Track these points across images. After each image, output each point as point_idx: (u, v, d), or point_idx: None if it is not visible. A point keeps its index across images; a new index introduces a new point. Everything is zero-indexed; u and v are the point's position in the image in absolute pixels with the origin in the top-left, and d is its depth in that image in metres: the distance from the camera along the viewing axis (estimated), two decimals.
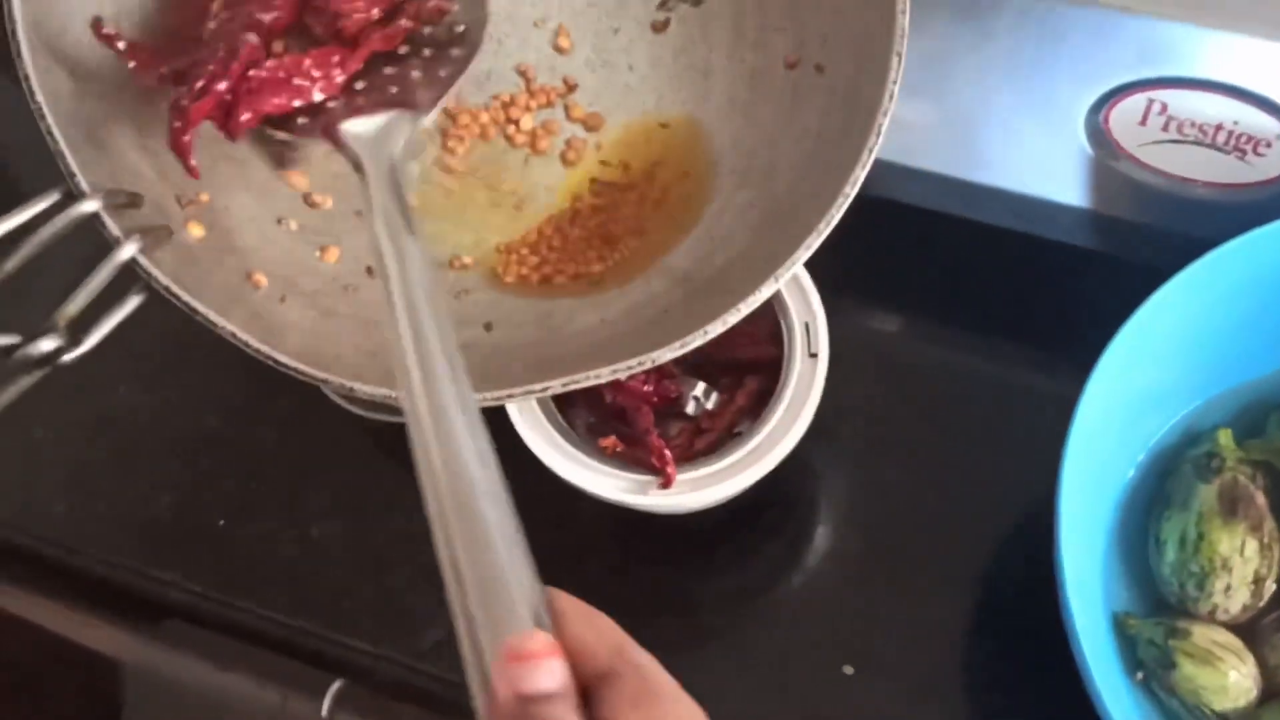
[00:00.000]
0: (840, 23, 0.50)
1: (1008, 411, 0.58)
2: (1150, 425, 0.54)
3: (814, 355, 0.50)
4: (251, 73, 0.46)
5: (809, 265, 0.53)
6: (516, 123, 0.55)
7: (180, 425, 0.62)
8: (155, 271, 0.43)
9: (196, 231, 0.48)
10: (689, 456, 0.50)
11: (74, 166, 0.43)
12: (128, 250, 0.42)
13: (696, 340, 0.44)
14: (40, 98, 0.43)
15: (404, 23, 0.49)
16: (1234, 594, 0.49)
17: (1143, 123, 0.50)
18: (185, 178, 0.47)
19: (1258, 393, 0.54)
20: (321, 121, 0.47)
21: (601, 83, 0.56)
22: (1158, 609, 0.51)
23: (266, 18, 0.48)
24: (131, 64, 0.47)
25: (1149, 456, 0.54)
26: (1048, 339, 0.59)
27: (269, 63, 0.47)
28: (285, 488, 0.60)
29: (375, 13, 0.49)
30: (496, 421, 0.52)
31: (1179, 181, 0.51)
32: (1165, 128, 0.50)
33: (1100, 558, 0.52)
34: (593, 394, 0.50)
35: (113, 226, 0.43)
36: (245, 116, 0.46)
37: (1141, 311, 0.48)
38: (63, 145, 0.43)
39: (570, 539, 0.56)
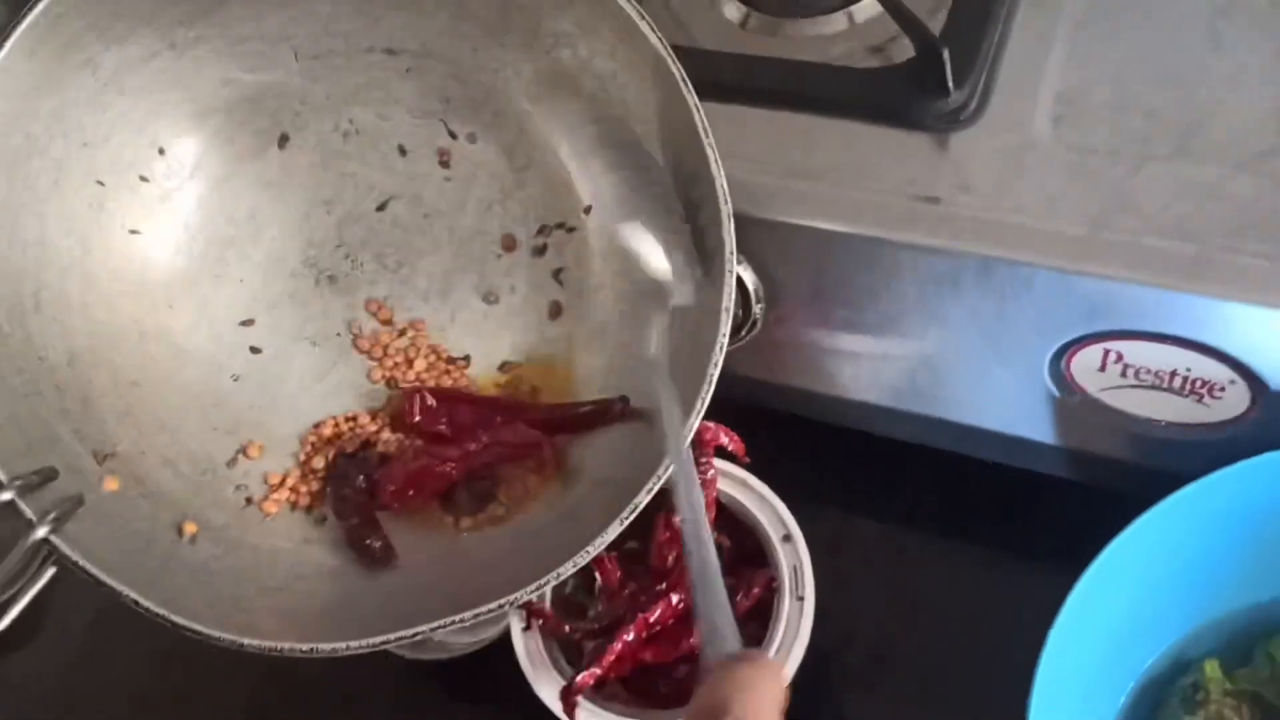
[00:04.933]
0: None
1: (1005, 633, 0.60)
2: (1139, 653, 0.55)
3: (801, 598, 0.54)
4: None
5: (805, 498, 0.57)
6: None
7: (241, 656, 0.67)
8: (66, 549, 0.46)
9: (112, 485, 0.51)
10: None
11: None
12: (40, 532, 0.46)
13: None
14: None
15: None
16: None
17: (1101, 369, 0.53)
18: (101, 433, 0.52)
19: (1244, 622, 0.55)
20: None
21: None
22: None
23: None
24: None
25: (1140, 685, 0.55)
26: (1040, 561, 0.60)
27: None
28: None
29: None
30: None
31: (1143, 421, 0.54)
32: (1123, 374, 0.53)
33: None
34: None
35: (26, 510, 0.47)
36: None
37: (1107, 552, 0.50)
38: None
39: None
